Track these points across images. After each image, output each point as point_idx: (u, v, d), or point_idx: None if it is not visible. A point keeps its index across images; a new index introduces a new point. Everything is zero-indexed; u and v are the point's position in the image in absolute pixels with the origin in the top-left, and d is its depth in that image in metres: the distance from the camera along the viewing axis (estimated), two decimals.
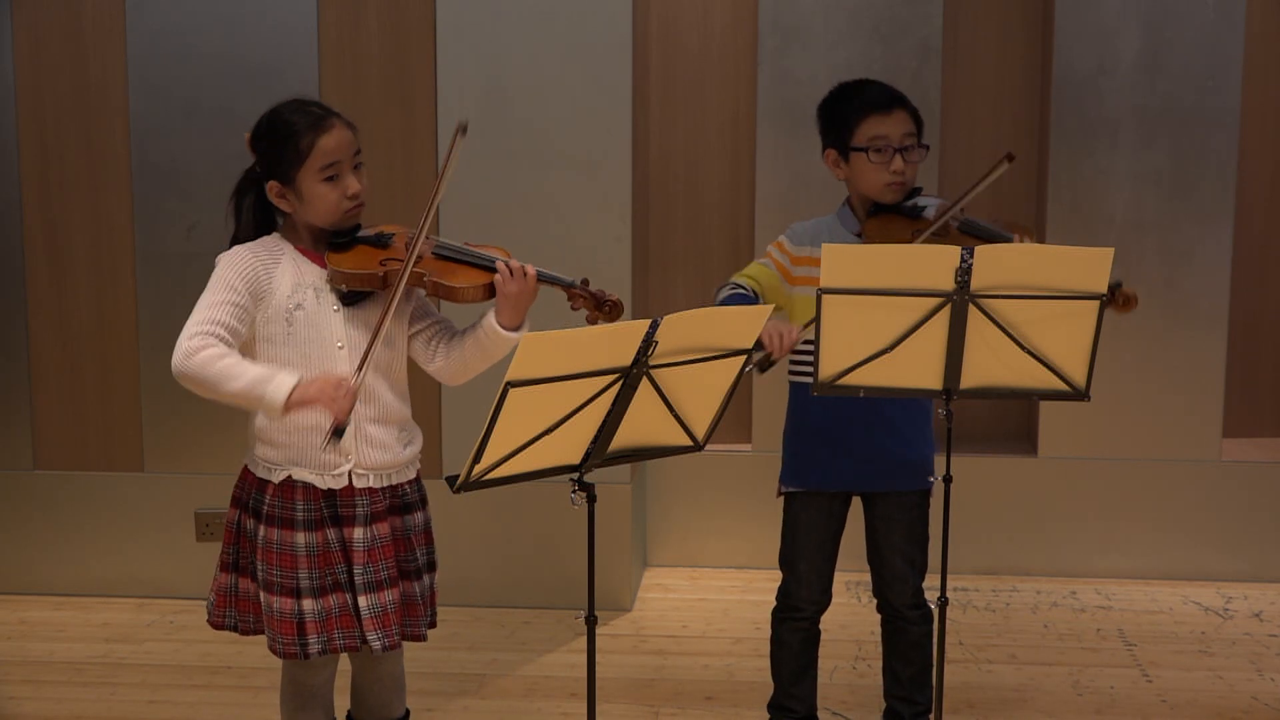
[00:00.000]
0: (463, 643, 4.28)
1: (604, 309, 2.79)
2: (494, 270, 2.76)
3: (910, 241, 3.07)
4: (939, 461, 3.13)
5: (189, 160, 4.50)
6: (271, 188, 2.80)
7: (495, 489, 2.56)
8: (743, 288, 3.19)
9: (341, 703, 3.06)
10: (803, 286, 3.18)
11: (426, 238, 2.76)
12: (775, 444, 3.42)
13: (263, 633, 2.87)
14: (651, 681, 4.03)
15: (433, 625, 2.94)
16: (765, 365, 3.06)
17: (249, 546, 2.84)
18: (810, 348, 2.86)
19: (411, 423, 2.92)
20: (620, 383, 2.50)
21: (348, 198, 2.79)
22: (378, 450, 2.83)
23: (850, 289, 2.73)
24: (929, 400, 3.20)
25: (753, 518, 4.79)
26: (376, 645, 2.81)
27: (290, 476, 2.79)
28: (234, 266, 2.78)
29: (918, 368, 2.81)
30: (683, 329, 2.52)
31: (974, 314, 2.74)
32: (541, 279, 2.78)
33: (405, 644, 2.91)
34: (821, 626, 3.41)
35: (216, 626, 2.92)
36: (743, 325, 2.63)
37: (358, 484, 2.81)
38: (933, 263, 2.72)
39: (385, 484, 2.84)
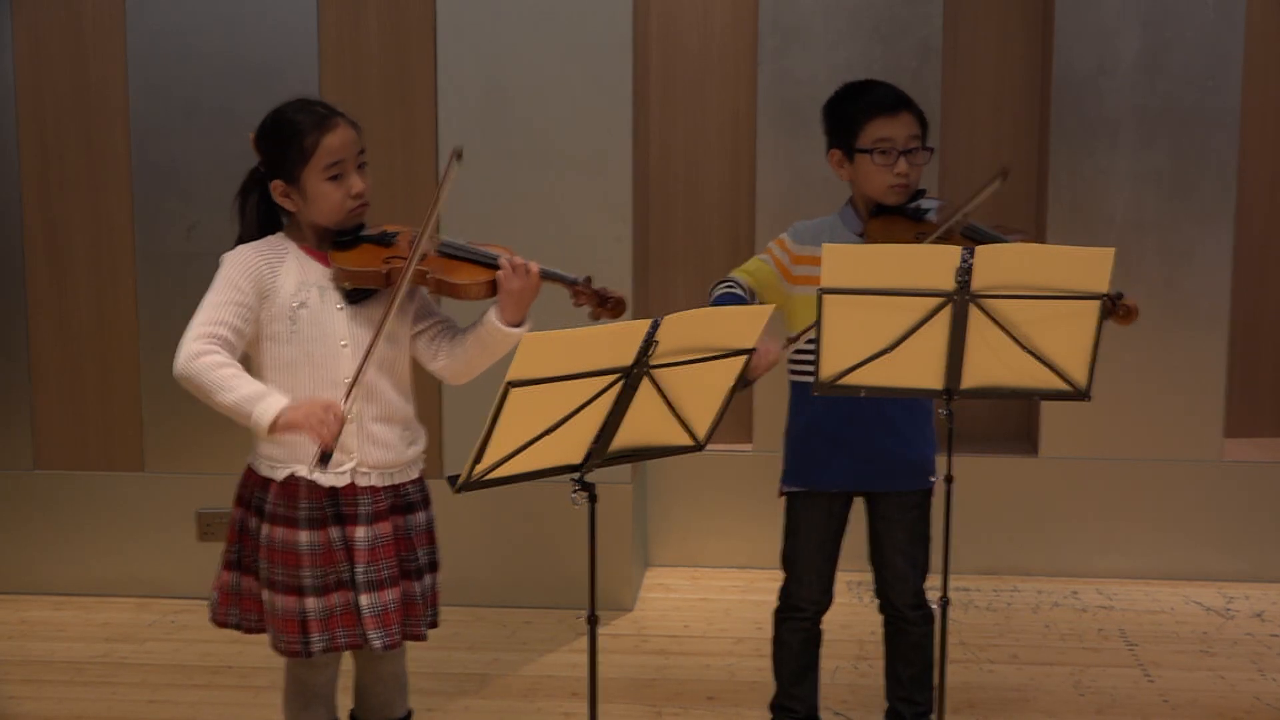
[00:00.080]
0: (464, 642, 4.28)
1: (607, 306, 2.80)
2: (497, 267, 2.77)
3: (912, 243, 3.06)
4: (940, 461, 3.13)
5: (189, 160, 4.50)
6: (276, 187, 2.81)
7: (496, 489, 2.56)
8: (738, 287, 3.18)
9: (344, 702, 3.06)
10: (803, 286, 3.17)
11: (430, 236, 2.76)
12: (776, 444, 3.42)
13: (265, 631, 2.87)
14: (653, 681, 4.03)
15: (434, 625, 2.94)
16: (742, 384, 2.95)
17: (252, 545, 2.84)
18: (811, 347, 2.86)
19: (415, 422, 2.92)
20: (621, 383, 2.50)
21: (352, 196, 2.79)
22: (380, 449, 2.83)
23: (851, 289, 2.73)
24: (930, 400, 3.19)
25: (754, 518, 4.79)
26: (377, 644, 2.81)
27: (293, 474, 2.79)
28: (239, 265, 2.78)
29: (918, 368, 2.81)
30: (683, 329, 2.51)
31: (975, 314, 2.73)
32: (544, 276, 2.79)
33: (406, 644, 2.91)
34: (823, 627, 3.41)
35: (219, 624, 2.92)
36: (743, 325, 2.63)
37: (360, 482, 2.81)
38: (933, 263, 2.72)
39: (388, 483, 2.84)
